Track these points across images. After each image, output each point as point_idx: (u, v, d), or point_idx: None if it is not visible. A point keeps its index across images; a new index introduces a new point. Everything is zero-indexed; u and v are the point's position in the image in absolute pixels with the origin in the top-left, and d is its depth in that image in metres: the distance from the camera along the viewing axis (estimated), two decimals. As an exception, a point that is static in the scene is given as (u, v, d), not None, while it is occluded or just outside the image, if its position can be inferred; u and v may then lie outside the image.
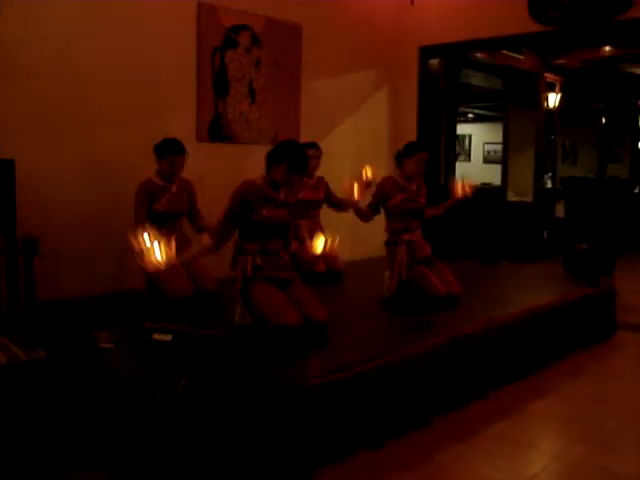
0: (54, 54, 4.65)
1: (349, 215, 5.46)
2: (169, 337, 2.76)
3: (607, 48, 8.93)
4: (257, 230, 3.80)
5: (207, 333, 2.86)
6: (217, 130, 5.72)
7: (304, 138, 6.27)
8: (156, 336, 2.78)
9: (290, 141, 4.07)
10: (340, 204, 5.48)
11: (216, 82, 5.68)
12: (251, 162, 5.93)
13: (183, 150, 4.53)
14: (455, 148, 10.72)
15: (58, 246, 4.46)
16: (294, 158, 3.77)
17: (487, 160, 15.57)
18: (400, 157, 4.84)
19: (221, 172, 5.53)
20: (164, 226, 4.45)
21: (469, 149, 16.03)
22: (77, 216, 4.78)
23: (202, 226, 4.66)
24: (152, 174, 4.55)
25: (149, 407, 2.69)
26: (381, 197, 4.81)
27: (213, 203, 5.03)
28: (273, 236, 3.85)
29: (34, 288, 3.85)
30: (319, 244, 3.86)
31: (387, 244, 4.86)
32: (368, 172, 4.94)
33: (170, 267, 4.36)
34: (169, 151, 4.50)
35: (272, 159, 3.81)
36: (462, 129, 14.53)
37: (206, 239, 3.81)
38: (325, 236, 3.91)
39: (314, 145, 5.45)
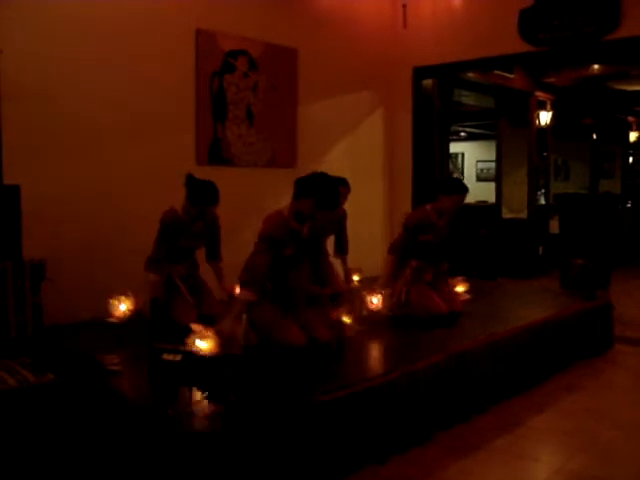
0: (56, 79, 4.75)
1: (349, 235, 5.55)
2: (179, 357, 2.82)
3: (596, 66, 9.09)
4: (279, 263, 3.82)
5: (215, 354, 2.93)
6: (216, 153, 5.82)
7: (301, 160, 6.39)
8: (166, 356, 2.84)
9: (321, 175, 3.84)
10: (343, 247, 5.46)
11: (215, 106, 5.78)
12: (251, 184, 6.05)
13: (218, 200, 4.31)
14: (448, 167, 10.86)
15: (64, 270, 4.52)
16: (324, 194, 3.68)
17: (480, 178, 15.71)
18: (438, 191, 4.80)
19: (222, 195, 5.59)
20: (179, 256, 4.50)
21: (462, 167, 16.17)
22: (83, 240, 4.85)
23: (219, 270, 4.62)
24: (179, 207, 4.34)
25: (158, 430, 2.75)
26: (412, 236, 4.76)
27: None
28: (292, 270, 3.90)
29: (41, 312, 3.92)
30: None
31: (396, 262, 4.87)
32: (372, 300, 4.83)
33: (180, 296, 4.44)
34: (204, 202, 4.28)
35: (301, 190, 3.73)
36: (455, 147, 14.68)
37: (245, 295, 3.67)
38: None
39: (344, 182, 5.18)
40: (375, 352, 4.13)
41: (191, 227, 4.37)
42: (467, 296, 5.10)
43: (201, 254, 4.69)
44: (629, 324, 6.34)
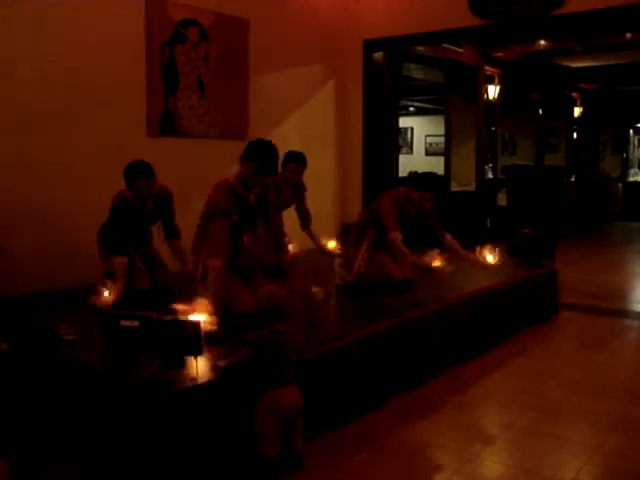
0: (2, 51, 4.62)
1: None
2: (136, 323, 2.82)
3: (542, 42, 9.25)
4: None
5: (173, 319, 2.93)
6: (168, 124, 5.75)
7: (253, 131, 6.34)
8: (123, 322, 2.83)
9: (266, 141, 3.91)
10: (305, 220, 5.30)
11: (165, 76, 5.71)
12: (202, 156, 6.00)
13: (149, 173, 4.14)
14: (398, 141, 10.94)
15: (11, 243, 4.45)
16: (265, 158, 3.77)
17: (429, 152, 15.90)
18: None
19: (173, 166, 5.55)
20: (134, 234, 4.45)
21: (411, 142, 16.33)
22: (30, 212, 4.76)
23: (179, 249, 4.45)
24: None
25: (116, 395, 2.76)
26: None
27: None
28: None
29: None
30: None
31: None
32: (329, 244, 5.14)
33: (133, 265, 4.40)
34: (134, 176, 4.09)
35: (246, 154, 3.81)
36: (404, 122, 14.80)
37: (213, 262, 3.65)
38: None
39: (301, 158, 5.09)
40: (329, 318, 4.17)
41: (141, 209, 4.26)
42: (449, 268, 4.77)
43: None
44: (573, 291, 6.55)
